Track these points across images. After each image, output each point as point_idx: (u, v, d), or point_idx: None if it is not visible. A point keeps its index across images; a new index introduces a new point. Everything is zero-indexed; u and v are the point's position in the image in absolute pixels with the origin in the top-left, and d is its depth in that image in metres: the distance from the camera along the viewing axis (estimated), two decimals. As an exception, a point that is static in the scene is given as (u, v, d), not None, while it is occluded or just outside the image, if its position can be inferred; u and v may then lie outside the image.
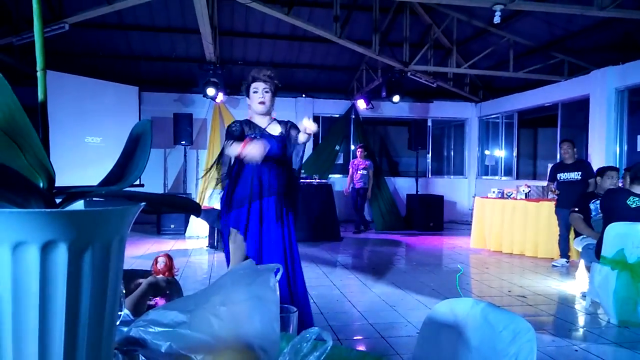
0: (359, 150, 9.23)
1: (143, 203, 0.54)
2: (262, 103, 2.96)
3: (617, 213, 3.98)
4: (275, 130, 3.04)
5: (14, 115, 0.49)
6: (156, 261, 2.62)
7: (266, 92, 2.97)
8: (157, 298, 2.42)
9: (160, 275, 2.52)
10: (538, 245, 6.76)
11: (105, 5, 6.39)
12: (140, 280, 2.42)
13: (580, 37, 7.76)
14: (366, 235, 8.95)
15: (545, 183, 7.64)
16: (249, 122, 3.03)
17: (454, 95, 10.87)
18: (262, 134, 2.97)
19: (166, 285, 2.48)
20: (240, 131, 2.96)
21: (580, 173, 5.96)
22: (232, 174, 2.96)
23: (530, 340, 1.07)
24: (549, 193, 6.54)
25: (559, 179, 6.17)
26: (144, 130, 0.60)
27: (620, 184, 5.17)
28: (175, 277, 2.69)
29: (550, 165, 6.61)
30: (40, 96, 0.54)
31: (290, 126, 3.08)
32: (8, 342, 0.46)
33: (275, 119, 3.09)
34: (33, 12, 0.54)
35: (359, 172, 8.99)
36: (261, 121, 3.03)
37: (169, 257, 2.68)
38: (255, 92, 2.97)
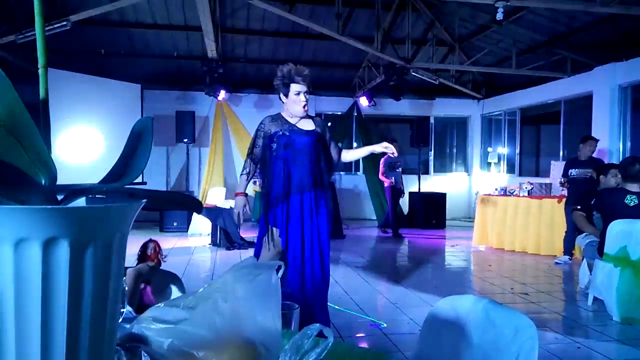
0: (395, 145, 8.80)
1: (144, 200, 0.54)
2: (305, 106, 2.98)
3: (616, 212, 3.98)
4: (307, 125, 3.06)
5: (16, 112, 0.49)
6: (146, 247, 2.67)
7: (307, 94, 2.99)
8: (144, 285, 2.47)
9: (142, 264, 2.57)
10: (540, 243, 6.75)
11: (107, 3, 6.39)
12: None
13: (583, 34, 7.72)
14: (369, 232, 8.95)
15: (548, 180, 7.62)
16: (280, 118, 3.05)
17: (457, 92, 10.84)
18: (291, 130, 3.00)
19: (149, 271, 2.52)
20: (261, 153, 3.05)
21: (592, 171, 5.87)
22: (267, 173, 3.00)
23: (531, 337, 1.07)
24: (560, 188, 6.47)
25: (570, 174, 6.14)
26: (145, 128, 0.60)
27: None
28: (163, 262, 2.74)
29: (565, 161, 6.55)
30: (41, 93, 0.54)
31: (324, 126, 3.15)
32: (11, 338, 0.46)
33: (307, 115, 3.09)
34: (34, 9, 0.54)
35: (397, 170, 8.38)
36: (294, 117, 3.04)
37: (157, 243, 2.74)
38: (297, 94, 2.96)
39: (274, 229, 2.98)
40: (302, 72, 2.95)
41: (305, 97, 2.96)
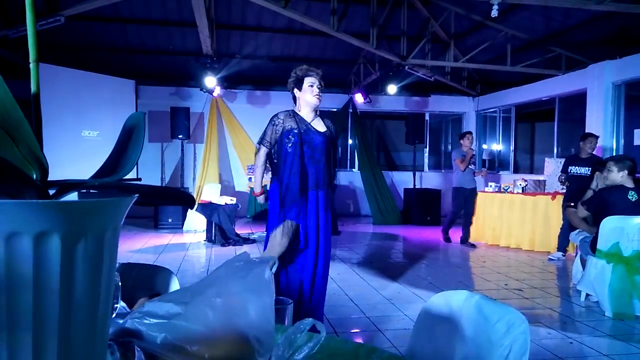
0: (468, 137, 7.16)
1: (136, 194, 0.54)
2: (318, 97, 3.10)
3: (617, 208, 4.00)
4: (320, 126, 3.14)
5: (7, 107, 0.49)
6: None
7: (319, 87, 3.11)
8: None
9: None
10: (535, 239, 6.78)
11: (101, -2, 6.34)
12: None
13: (578, 31, 7.75)
14: (364, 229, 8.96)
15: (542, 177, 7.65)
16: (295, 115, 3.12)
17: (452, 89, 10.85)
18: (307, 129, 3.07)
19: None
20: (272, 143, 3.10)
21: (591, 169, 5.76)
22: (285, 170, 3.05)
23: (524, 332, 1.08)
24: (560, 185, 6.45)
25: (569, 171, 6.14)
26: (137, 122, 0.60)
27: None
28: None
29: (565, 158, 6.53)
30: (33, 88, 0.54)
31: (334, 130, 3.24)
32: (2, 333, 0.46)
33: (318, 115, 3.19)
34: (25, 2, 0.54)
35: (469, 166, 7.05)
36: (308, 115, 3.13)
37: None
38: (311, 86, 3.09)
39: (289, 221, 3.01)
40: (315, 70, 3.14)
41: (318, 88, 3.10)
